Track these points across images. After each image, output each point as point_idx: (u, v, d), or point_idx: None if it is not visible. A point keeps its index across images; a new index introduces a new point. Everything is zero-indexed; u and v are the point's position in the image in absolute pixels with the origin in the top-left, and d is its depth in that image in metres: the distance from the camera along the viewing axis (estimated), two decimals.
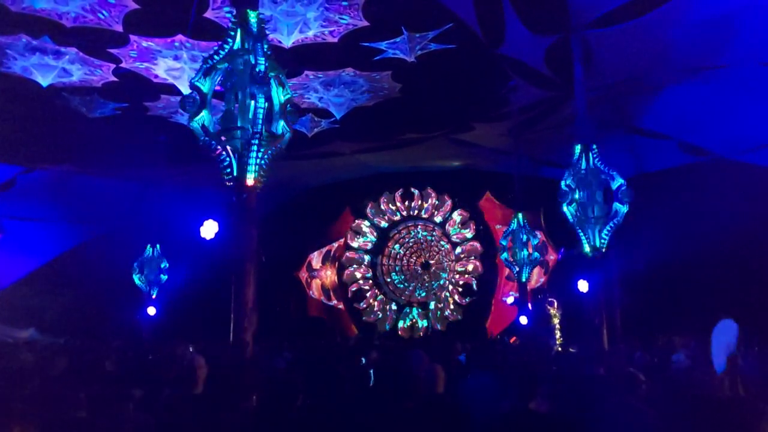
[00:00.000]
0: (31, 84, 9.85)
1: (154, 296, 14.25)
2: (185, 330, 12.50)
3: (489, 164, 16.33)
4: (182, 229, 14.17)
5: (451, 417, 4.03)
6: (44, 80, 9.77)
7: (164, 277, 14.20)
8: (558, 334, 12.70)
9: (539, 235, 13.57)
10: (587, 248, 7.99)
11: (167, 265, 14.48)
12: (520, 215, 12.80)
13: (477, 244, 18.20)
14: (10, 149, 13.21)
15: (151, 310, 14.38)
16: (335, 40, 9.02)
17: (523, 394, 3.88)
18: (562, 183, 8.15)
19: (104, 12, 8.19)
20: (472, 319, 17.48)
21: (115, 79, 10.16)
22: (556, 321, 12.89)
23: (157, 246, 14.54)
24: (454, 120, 12.78)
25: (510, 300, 16.11)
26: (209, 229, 13.35)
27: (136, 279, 14.25)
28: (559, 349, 11.69)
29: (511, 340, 13.70)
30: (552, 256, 16.00)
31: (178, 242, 14.40)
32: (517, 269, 12.70)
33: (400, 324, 18.39)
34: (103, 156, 13.62)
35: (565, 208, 8.10)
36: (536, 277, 15.48)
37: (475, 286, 18.03)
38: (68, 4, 7.98)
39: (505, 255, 12.92)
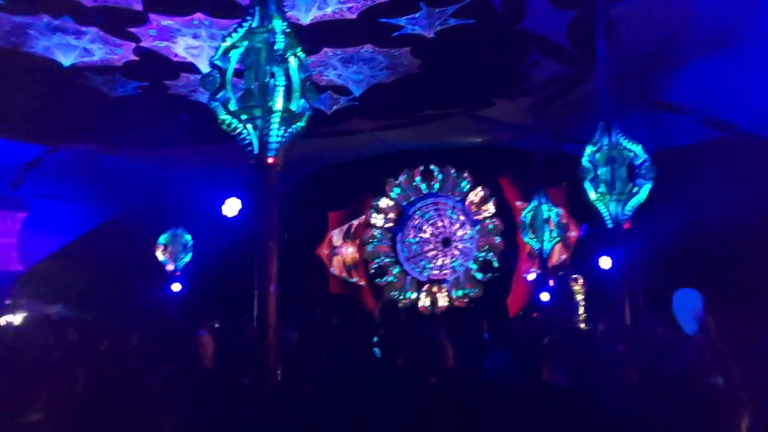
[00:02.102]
0: (53, 64, 9.94)
1: (178, 273, 14.49)
2: (209, 306, 12.69)
3: (509, 140, 16.19)
4: (205, 207, 14.31)
5: (472, 393, 4.07)
6: (66, 60, 9.85)
7: (188, 254, 14.41)
8: (581, 310, 12.68)
9: (561, 211, 13.49)
10: (609, 225, 7.92)
11: (190, 242, 14.69)
12: (541, 192, 12.71)
13: (497, 221, 18.18)
14: (35, 129, 13.41)
15: (176, 287, 14.63)
16: (354, 16, 8.95)
17: (542, 368, 3.90)
18: (584, 159, 8.06)
19: None
20: (492, 296, 17.53)
21: (136, 58, 10.21)
22: (579, 297, 12.87)
23: (180, 223, 14.74)
24: (474, 96, 12.67)
25: (531, 277, 16.09)
26: (232, 207, 13.45)
27: (160, 256, 14.47)
28: (583, 325, 11.69)
29: (534, 315, 13.74)
30: (574, 233, 15.91)
31: (201, 220, 14.57)
32: (539, 246, 12.66)
33: (420, 300, 18.48)
34: (125, 135, 13.75)
35: (587, 185, 8.02)
36: (557, 254, 15.42)
37: (495, 263, 18.06)
38: None
39: (526, 231, 12.87)
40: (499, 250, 18.08)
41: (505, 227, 17.87)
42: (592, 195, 8.01)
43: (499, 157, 17.28)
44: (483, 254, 18.29)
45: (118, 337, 6.48)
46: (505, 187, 17.90)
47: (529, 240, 13.05)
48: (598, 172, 7.96)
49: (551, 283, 13.15)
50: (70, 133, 13.69)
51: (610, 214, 7.93)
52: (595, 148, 8.02)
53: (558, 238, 13.12)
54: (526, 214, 12.96)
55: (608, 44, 8.44)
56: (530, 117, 13.05)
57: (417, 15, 9.04)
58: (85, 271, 16.41)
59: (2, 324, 11.65)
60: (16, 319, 13.86)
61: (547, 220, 12.59)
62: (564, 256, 16.01)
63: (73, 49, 9.68)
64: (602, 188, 7.94)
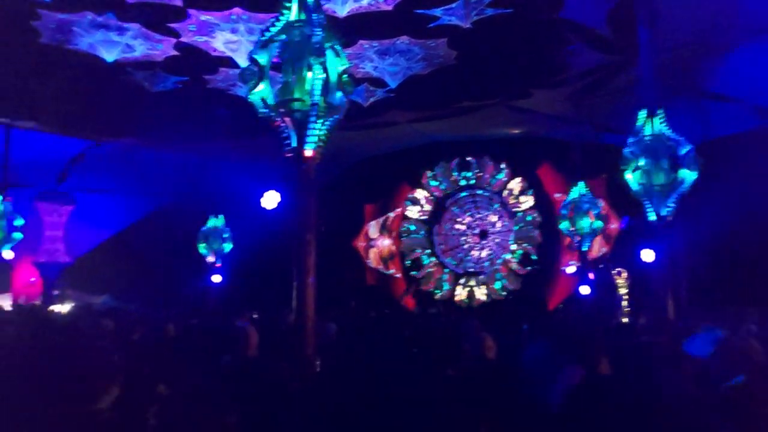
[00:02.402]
0: (97, 60, 10.18)
1: (218, 265, 14.74)
2: (249, 297, 12.88)
3: (548, 131, 15.96)
4: (244, 200, 14.51)
5: (508, 385, 4.04)
6: (109, 56, 10.08)
7: (228, 246, 14.65)
8: (625, 304, 12.45)
9: (601, 203, 13.25)
10: (652, 217, 7.74)
11: (230, 234, 14.92)
12: (581, 183, 12.51)
13: (536, 213, 17.98)
14: (80, 124, 13.78)
15: (216, 278, 14.90)
16: (390, 8, 8.92)
17: (584, 362, 3.84)
18: (626, 150, 7.88)
19: None
20: (531, 289, 17.36)
21: (176, 53, 10.38)
22: (623, 291, 12.63)
23: (220, 216, 14.98)
24: (512, 87, 12.51)
25: (571, 270, 15.88)
26: (271, 200, 13.62)
27: (201, 248, 14.74)
28: (626, 320, 11.48)
29: (573, 308, 13.56)
30: (614, 225, 15.62)
31: (241, 212, 14.78)
32: (578, 238, 12.47)
33: (457, 293, 18.41)
34: (165, 129, 14.01)
35: (628, 176, 7.85)
36: (598, 247, 15.17)
37: (533, 256, 17.87)
38: None
39: (565, 224, 12.69)
40: (538, 242, 17.87)
41: (543, 219, 17.66)
42: (634, 186, 7.84)
43: (538, 149, 17.05)
44: (521, 247, 18.11)
45: (159, 327, 6.63)
46: (543, 178, 17.67)
47: (568, 232, 12.86)
48: (640, 162, 7.77)
49: (591, 276, 12.95)
50: (112, 127, 14.02)
51: (652, 206, 7.75)
52: (636, 139, 7.84)
53: (598, 231, 12.90)
54: (565, 206, 12.77)
55: (651, 32, 8.22)
56: (569, 107, 12.84)
57: (453, 5, 8.97)
58: (129, 262, 16.83)
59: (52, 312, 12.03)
60: (64, 308, 14.31)
61: (586, 212, 12.38)
62: (604, 249, 15.75)
63: (116, 45, 9.90)
64: (644, 179, 7.76)
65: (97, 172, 16.35)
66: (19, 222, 13.32)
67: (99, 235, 18.04)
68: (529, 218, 18.13)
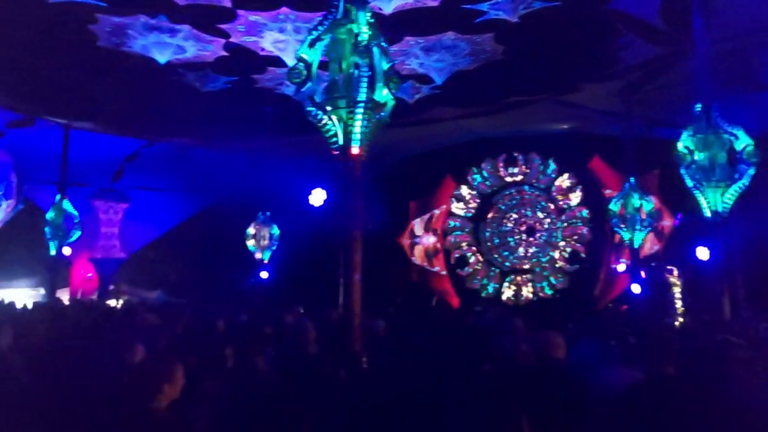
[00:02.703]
0: (150, 62, 10.47)
1: (265, 261, 15.00)
2: (296, 293, 13.05)
3: (598, 126, 15.61)
4: (291, 197, 14.71)
5: (560, 383, 4.00)
6: (161, 57, 10.35)
7: (274, 244, 14.88)
8: (679, 303, 12.07)
9: (653, 199, 12.90)
10: (707, 213, 7.50)
11: (277, 232, 15.15)
12: (632, 179, 12.21)
13: (585, 210, 17.64)
14: (134, 124, 14.21)
15: (264, 274, 15.16)
16: (436, 3, 8.87)
17: (648, 362, 3.76)
18: (680, 144, 7.66)
19: None
20: (579, 287, 17.04)
21: (225, 53, 10.58)
22: (676, 290, 12.25)
23: (268, 213, 15.22)
24: (560, 81, 12.28)
25: (621, 268, 15.52)
26: (318, 197, 13.77)
27: (249, 245, 15.02)
28: (681, 319, 11.13)
29: (622, 308, 13.24)
30: (668, 222, 15.19)
31: (288, 209, 14.99)
32: (629, 236, 12.17)
33: (504, 291, 18.21)
34: (215, 128, 14.31)
35: (683, 171, 7.62)
36: (650, 244, 14.76)
37: (582, 253, 17.53)
38: None
39: (615, 221, 12.41)
40: (587, 239, 17.51)
41: (592, 216, 17.29)
42: (689, 182, 7.61)
43: (587, 144, 16.69)
44: (569, 244, 17.79)
45: (210, 322, 6.78)
46: (593, 174, 17.30)
47: (619, 230, 12.57)
48: (696, 157, 7.55)
49: (643, 274, 12.61)
50: (164, 127, 14.41)
51: (708, 203, 7.50)
52: (691, 133, 7.60)
53: (650, 228, 12.56)
54: (615, 202, 12.48)
55: (706, 21, 7.96)
56: (620, 101, 12.53)
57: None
58: (181, 258, 17.29)
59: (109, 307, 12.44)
60: (119, 303, 14.80)
61: (638, 209, 12.07)
62: (657, 247, 15.32)
63: (168, 46, 10.16)
64: (700, 175, 7.52)
65: (150, 171, 16.84)
66: (76, 220, 13.85)
67: (152, 232, 18.58)
68: (577, 215, 17.79)
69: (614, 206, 12.48)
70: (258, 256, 14.93)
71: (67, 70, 11.04)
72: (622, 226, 12.28)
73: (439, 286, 18.57)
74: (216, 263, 16.78)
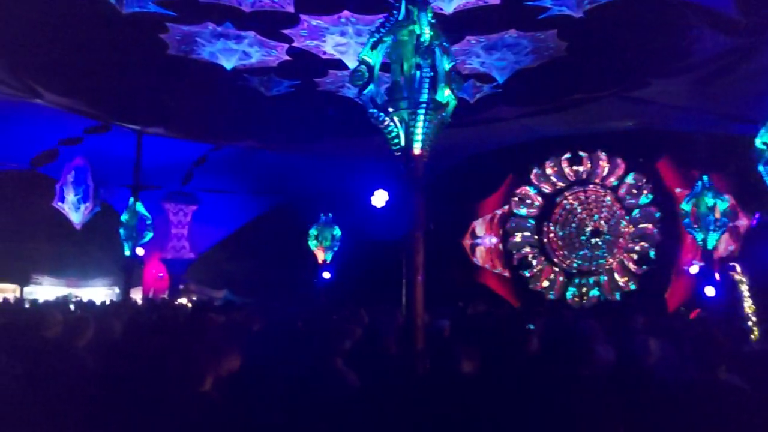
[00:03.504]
0: (217, 68, 10.80)
1: (328, 261, 15.20)
2: (358, 294, 13.17)
3: (668, 122, 15.05)
4: (354, 198, 14.85)
5: (627, 387, 3.89)
6: (228, 63, 10.67)
7: (336, 245, 15.06)
8: (749, 303, 11.46)
9: (728, 198, 12.34)
10: None
11: (339, 233, 15.32)
12: (705, 177, 11.72)
13: (654, 209, 17.02)
14: (202, 129, 14.68)
15: (326, 275, 15.36)
16: (497, 1, 8.77)
17: (709, 365, 3.62)
18: (758, 140, 7.31)
19: None
20: (648, 290, 16.45)
21: (289, 58, 10.80)
22: (744, 288, 11.64)
23: (330, 214, 15.41)
24: (628, 77, 11.89)
25: (694, 270, 14.89)
26: (380, 198, 13.86)
27: (312, 245, 15.26)
28: (753, 319, 10.56)
29: (691, 315, 12.65)
30: (744, 222, 14.49)
31: (350, 210, 15.14)
32: (702, 236, 11.68)
33: (569, 293, 17.80)
34: (279, 131, 14.61)
35: (761, 169, 7.27)
36: (725, 245, 14.13)
37: (652, 255, 16.92)
38: None
39: (687, 221, 11.93)
40: (656, 240, 16.90)
41: (662, 216, 16.67)
42: None
43: (656, 141, 16.11)
44: (638, 245, 17.21)
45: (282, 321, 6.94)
46: (662, 172, 16.69)
47: (691, 230, 12.08)
48: None
49: (717, 276, 12.07)
50: (231, 131, 14.82)
51: None
52: None
53: (724, 228, 12.02)
54: (687, 201, 12.01)
55: None
56: (692, 96, 12.04)
57: None
58: (246, 259, 17.74)
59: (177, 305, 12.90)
60: (188, 302, 15.33)
61: (711, 208, 11.57)
62: (732, 247, 14.64)
63: (234, 53, 10.45)
64: None
65: (217, 174, 17.36)
66: (149, 221, 14.41)
67: (219, 233, 19.17)
68: (646, 215, 17.19)
69: (686, 205, 12.03)
70: (320, 256, 15.14)
71: (139, 78, 11.53)
72: (695, 226, 11.80)
73: (500, 287, 18.35)
74: (280, 264, 17.14)
